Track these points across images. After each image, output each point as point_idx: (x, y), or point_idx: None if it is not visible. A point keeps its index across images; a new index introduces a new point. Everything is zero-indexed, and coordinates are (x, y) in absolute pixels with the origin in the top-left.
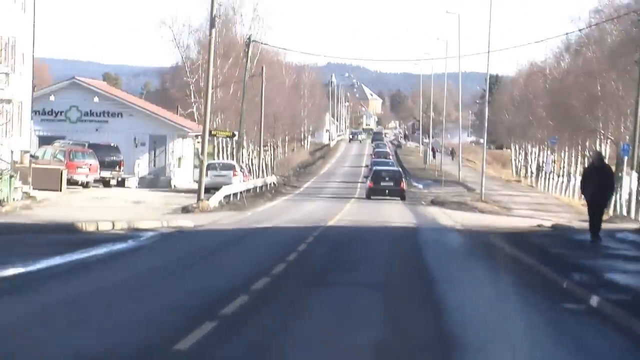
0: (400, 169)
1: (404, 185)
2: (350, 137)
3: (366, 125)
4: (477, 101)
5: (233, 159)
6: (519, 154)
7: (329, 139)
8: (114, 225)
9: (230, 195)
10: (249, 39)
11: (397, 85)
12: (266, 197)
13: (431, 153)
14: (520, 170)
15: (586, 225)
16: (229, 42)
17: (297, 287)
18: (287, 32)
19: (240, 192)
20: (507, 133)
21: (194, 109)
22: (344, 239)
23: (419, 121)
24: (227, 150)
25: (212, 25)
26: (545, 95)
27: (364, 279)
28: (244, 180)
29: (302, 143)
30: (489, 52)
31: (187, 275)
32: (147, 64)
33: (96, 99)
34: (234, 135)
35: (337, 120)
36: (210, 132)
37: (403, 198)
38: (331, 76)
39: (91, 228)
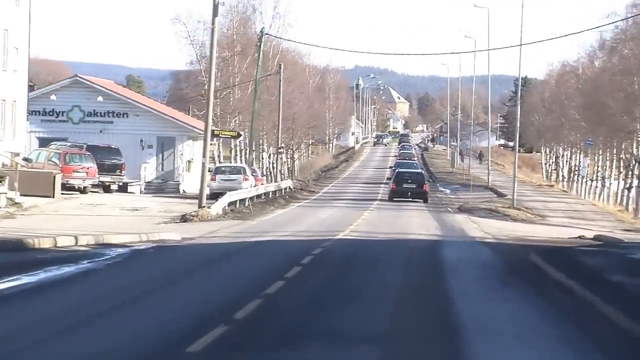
0: (423, 171)
1: (426, 187)
2: (375, 140)
3: (393, 128)
4: (506, 104)
5: (251, 163)
6: (550, 157)
7: (355, 142)
8: (77, 241)
9: (236, 201)
10: (262, 31)
11: (425, 88)
12: (278, 204)
13: (459, 156)
14: (550, 174)
15: (635, 237)
16: (247, 40)
17: (260, 346)
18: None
19: (249, 199)
20: (537, 136)
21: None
22: (349, 261)
23: (446, 124)
24: (244, 154)
25: (214, 13)
26: (578, 95)
27: (359, 329)
28: (254, 185)
29: (327, 146)
30: (521, 45)
31: (101, 325)
32: (175, 67)
33: (100, 98)
34: (238, 135)
35: (363, 123)
36: (212, 132)
37: (426, 200)
38: (358, 79)
39: (46, 244)
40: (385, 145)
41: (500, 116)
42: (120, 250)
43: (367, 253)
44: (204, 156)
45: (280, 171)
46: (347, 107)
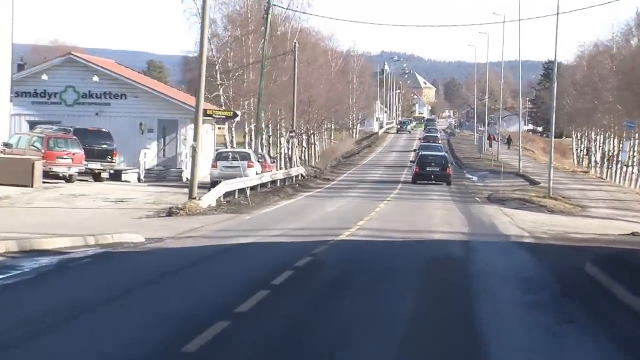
0: (446, 154)
1: (450, 170)
2: (398, 127)
3: (418, 113)
4: (535, 87)
5: (263, 149)
6: (581, 142)
7: (378, 128)
8: None
9: (235, 192)
10: (268, 1)
11: (452, 73)
12: (284, 194)
13: (487, 141)
14: (582, 160)
15: None
16: (261, 17)
17: None
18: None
19: (250, 188)
20: (568, 120)
21: (220, 92)
22: (343, 277)
23: (473, 109)
24: (259, 140)
25: None
26: (612, 76)
27: None
28: (259, 173)
29: (350, 132)
30: (557, 13)
31: None
32: (187, 48)
33: (96, 78)
34: (234, 115)
35: (388, 109)
36: (205, 111)
37: (449, 183)
38: (383, 64)
39: None
40: (409, 133)
41: (529, 100)
42: (45, 260)
43: (370, 263)
44: (194, 139)
45: (301, 157)
46: (371, 92)
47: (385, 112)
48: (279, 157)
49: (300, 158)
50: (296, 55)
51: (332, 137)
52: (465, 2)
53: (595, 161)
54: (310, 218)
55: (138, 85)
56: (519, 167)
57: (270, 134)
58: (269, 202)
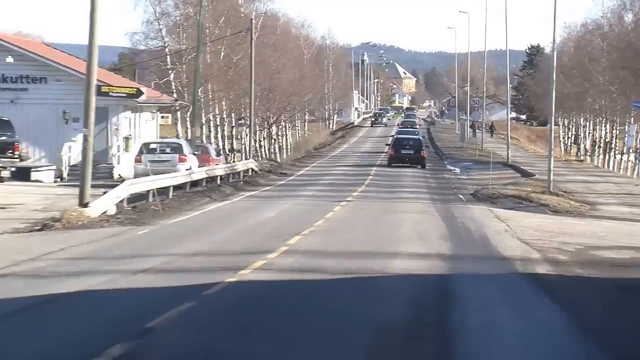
0: (421, 138)
1: (424, 153)
2: (373, 119)
3: (398, 103)
4: (517, 74)
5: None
6: (569, 129)
7: (357, 118)
8: None
9: (150, 192)
10: None
11: (432, 64)
12: (220, 194)
13: (470, 129)
14: (570, 148)
15: None
16: None
17: None
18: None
19: (178, 187)
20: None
21: (172, 77)
22: None
23: (454, 97)
24: (226, 130)
25: None
26: (605, 56)
27: None
28: (190, 168)
29: (327, 123)
30: None
31: None
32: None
33: (10, 59)
34: (139, 93)
35: (367, 99)
36: (99, 88)
37: (423, 167)
38: (362, 54)
39: None
40: (386, 126)
41: (512, 88)
42: None
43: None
44: (85, 125)
45: (269, 150)
46: (348, 82)
47: (364, 102)
48: (243, 150)
49: (269, 151)
50: (253, 34)
51: (306, 129)
52: None
53: (585, 149)
54: (229, 231)
55: (60, 67)
56: (508, 156)
57: (233, 124)
58: (191, 207)
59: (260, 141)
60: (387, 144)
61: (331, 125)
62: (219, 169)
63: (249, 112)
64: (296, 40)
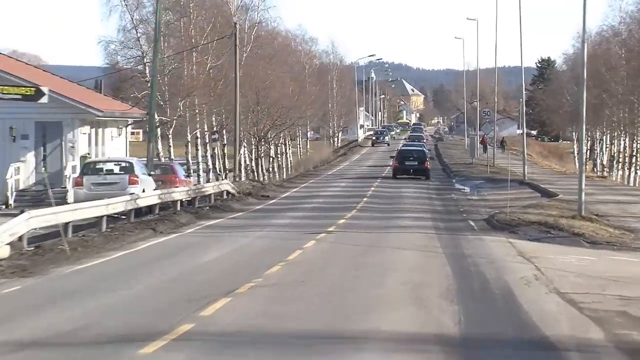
0: (425, 149)
1: (428, 164)
2: (374, 138)
3: (406, 119)
4: (527, 89)
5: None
6: (585, 143)
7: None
8: None
9: (68, 225)
10: None
11: (440, 81)
12: (169, 224)
13: (480, 146)
14: (585, 163)
15: None
16: (212, 4)
17: None
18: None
19: (120, 214)
20: (568, 120)
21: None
22: None
23: (462, 113)
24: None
25: None
26: (624, 65)
27: None
28: (143, 191)
29: (331, 140)
30: None
31: None
32: None
33: None
34: (40, 94)
35: (373, 115)
36: None
37: (428, 177)
38: (370, 71)
39: None
40: (388, 145)
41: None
42: None
43: None
44: None
45: (267, 169)
46: (353, 98)
47: (370, 119)
48: (236, 168)
49: (267, 170)
50: (237, 41)
51: (308, 147)
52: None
53: (602, 164)
54: (130, 289)
55: (5, 76)
56: (524, 173)
57: (225, 142)
58: (120, 244)
59: (256, 159)
60: (391, 156)
61: (336, 143)
62: (179, 192)
63: (245, 129)
64: (296, 54)
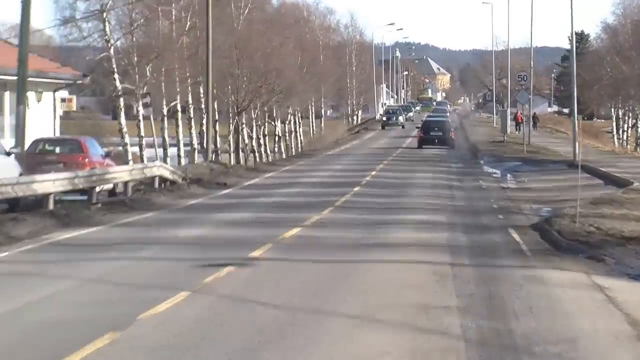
0: (448, 119)
1: (453, 134)
2: (384, 119)
3: (429, 95)
4: (558, 64)
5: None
6: (624, 121)
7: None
8: None
9: None
10: None
11: (468, 62)
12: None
13: (512, 123)
14: (627, 141)
15: None
16: None
17: None
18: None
19: None
20: (606, 96)
21: (111, 52)
22: None
23: (490, 90)
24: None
25: None
26: None
27: None
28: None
29: (350, 119)
30: None
31: None
32: None
33: None
34: None
35: (397, 94)
36: None
37: (452, 147)
38: (395, 50)
39: None
40: (403, 128)
41: (554, 79)
42: None
43: None
44: None
45: (273, 150)
46: (375, 75)
47: (393, 97)
48: (208, 147)
49: (272, 151)
50: None
51: (322, 125)
52: None
53: None
54: None
55: None
56: (576, 153)
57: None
58: None
59: (257, 138)
60: (417, 127)
61: (356, 121)
62: (50, 182)
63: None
64: (308, 24)
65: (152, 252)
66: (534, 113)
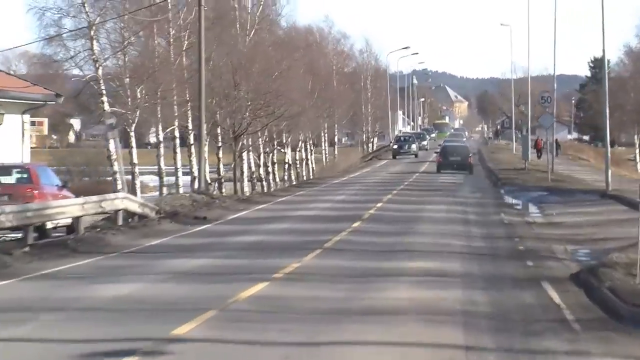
0: (467, 144)
1: (471, 160)
2: (395, 147)
3: (445, 120)
4: (579, 91)
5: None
6: None
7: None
8: None
9: None
10: None
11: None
12: None
13: (533, 150)
14: None
15: None
16: None
17: None
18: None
19: None
20: (630, 122)
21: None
22: None
23: (509, 117)
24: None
25: None
26: None
27: None
28: None
29: (365, 146)
30: None
31: None
32: None
33: None
34: None
35: (413, 121)
36: None
37: (471, 172)
38: (412, 78)
39: None
40: (416, 157)
41: (575, 105)
42: None
43: None
44: None
45: (283, 178)
46: (391, 102)
47: (409, 124)
48: (201, 175)
49: (282, 179)
50: (202, 3)
51: (335, 152)
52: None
53: None
54: None
55: None
56: (608, 182)
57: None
58: None
59: (265, 166)
60: (435, 152)
61: (371, 149)
62: None
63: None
64: (321, 48)
65: (33, 327)
66: (556, 139)
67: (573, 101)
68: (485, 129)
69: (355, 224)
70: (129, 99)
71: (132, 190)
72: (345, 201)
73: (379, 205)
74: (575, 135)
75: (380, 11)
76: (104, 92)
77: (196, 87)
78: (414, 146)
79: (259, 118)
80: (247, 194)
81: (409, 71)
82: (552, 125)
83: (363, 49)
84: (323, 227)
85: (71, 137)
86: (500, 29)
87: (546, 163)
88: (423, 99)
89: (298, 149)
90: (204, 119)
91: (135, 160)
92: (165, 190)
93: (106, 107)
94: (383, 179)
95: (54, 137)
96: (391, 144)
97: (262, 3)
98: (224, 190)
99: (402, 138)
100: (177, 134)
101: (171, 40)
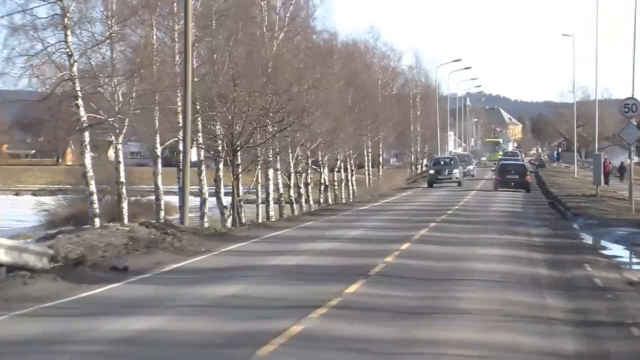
0: (524, 163)
1: (528, 178)
2: (432, 171)
3: (496, 138)
4: None
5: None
6: None
7: None
8: None
9: None
10: None
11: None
12: None
13: (602, 176)
14: None
15: None
16: None
17: None
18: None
19: None
20: None
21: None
22: None
23: (567, 139)
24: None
25: None
26: None
27: None
28: None
29: (413, 168)
30: None
31: None
32: None
33: None
34: None
35: (465, 142)
36: None
37: (528, 190)
38: (465, 99)
39: None
40: (460, 185)
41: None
42: None
43: None
44: None
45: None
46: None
47: (462, 145)
48: (185, 201)
49: (318, 202)
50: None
51: (380, 173)
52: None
53: None
54: None
55: None
56: None
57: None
58: None
59: (297, 187)
60: (492, 170)
61: (419, 171)
62: None
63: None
64: (364, 59)
65: None
66: (622, 163)
67: (634, 123)
68: (541, 151)
69: (351, 289)
70: (118, 104)
71: (157, 213)
72: (358, 239)
73: (403, 247)
74: (636, 159)
75: (431, 28)
76: (78, 93)
77: (202, 92)
78: (456, 171)
79: (263, 127)
80: (273, 219)
81: (462, 91)
82: (635, 141)
83: (412, 64)
84: (300, 291)
85: None
86: (560, 44)
87: (616, 189)
88: (476, 119)
89: (337, 169)
90: (189, 125)
91: (123, 179)
92: (162, 213)
93: (81, 112)
94: (422, 206)
95: None
96: (427, 168)
97: (292, 2)
98: (242, 215)
99: (441, 161)
100: (180, 147)
101: (176, 38)
